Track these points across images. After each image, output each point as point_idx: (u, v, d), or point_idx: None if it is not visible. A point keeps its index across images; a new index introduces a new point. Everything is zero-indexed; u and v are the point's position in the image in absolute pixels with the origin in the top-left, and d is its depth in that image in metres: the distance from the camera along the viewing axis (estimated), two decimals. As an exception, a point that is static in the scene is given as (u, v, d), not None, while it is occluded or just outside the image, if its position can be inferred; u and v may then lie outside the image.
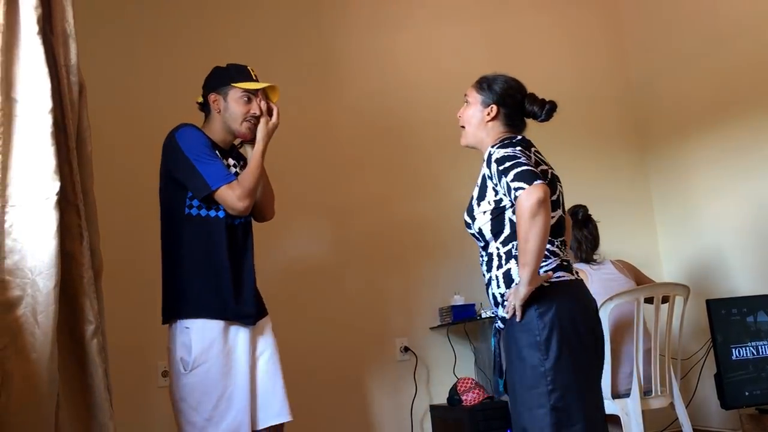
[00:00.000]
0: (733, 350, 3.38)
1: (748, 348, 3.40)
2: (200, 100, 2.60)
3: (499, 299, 2.19)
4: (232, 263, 2.47)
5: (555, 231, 2.19)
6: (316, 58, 4.00)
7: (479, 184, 2.22)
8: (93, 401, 1.97)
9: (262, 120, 2.53)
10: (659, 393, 3.10)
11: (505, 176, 2.08)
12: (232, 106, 2.52)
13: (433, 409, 3.82)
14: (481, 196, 2.21)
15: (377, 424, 3.77)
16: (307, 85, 3.92)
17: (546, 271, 2.14)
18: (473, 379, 3.64)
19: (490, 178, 2.16)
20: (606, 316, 3.00)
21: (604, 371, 2.97)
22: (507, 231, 2.17)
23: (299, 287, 3.72)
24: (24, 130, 1.88)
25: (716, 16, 4.02)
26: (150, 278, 3.42)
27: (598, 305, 3.02)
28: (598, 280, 3.19)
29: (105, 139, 3.18)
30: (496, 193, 2.16)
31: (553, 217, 2.17)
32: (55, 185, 1.87)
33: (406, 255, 3.97)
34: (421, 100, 4.11)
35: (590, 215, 3.38)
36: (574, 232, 3.29)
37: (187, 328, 2.40)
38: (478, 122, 2.31)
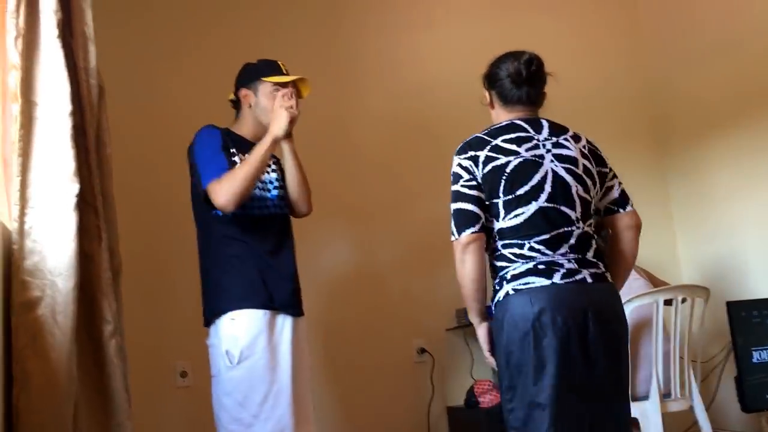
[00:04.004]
0: (754, 353, 3.34)
1: (768, 351, 3.37)
2: (232, 97, 2.62)
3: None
4: (271, 255, 2.46)
5: (526, 229, 2.03)
6: (337, 60, 4.00)
7: None
8: (111, 401, 1.98)
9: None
10: (678, 396, 3.07)
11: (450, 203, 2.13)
12: (263, 101, 2.53)
13: (450, 411, 3.81)
14: None
15: (393, 426, 3.75)
16: (328, 87, 3.91)
17: (513, 275, 2.03)
18: (491, 381, 3.62)
19: None
20: (624, 319, 2.98)
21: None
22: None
23: (315, 287, 3.72)
24: (44, 132, 1.89)
25: (734, 15, 3.98)
26: (170, 279, 3.46)
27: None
28: None
29: (125, 140, 3.21)
30: None
31: (522, 213, 2.03)
32: (75, 187, 1.88)
33: (423, 256, 3.95)
34: (443, 101, 4.08)
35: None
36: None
37: (232, 319, 2.37)
38: (491, 115, 2.31)
